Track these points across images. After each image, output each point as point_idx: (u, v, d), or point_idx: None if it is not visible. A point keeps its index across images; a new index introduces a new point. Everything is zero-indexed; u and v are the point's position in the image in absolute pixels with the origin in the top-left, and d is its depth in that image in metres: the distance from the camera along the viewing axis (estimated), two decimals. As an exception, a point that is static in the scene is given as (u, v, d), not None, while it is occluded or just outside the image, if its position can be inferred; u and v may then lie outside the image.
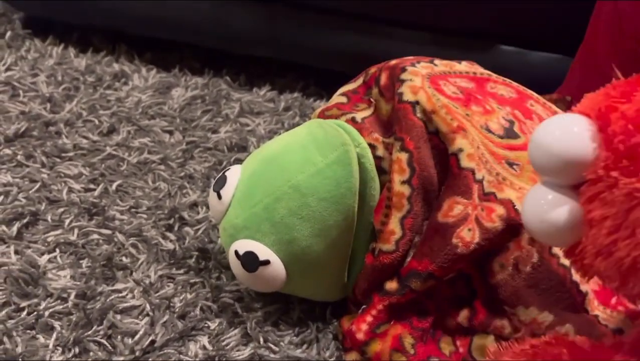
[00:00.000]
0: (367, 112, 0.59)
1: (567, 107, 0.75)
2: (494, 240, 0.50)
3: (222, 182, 0.56)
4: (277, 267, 0.54)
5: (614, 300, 0.51)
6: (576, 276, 0.51)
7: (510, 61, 0.87)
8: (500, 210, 0.50)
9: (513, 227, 0.50)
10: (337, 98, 0.63)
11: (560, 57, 0.89)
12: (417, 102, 0.54)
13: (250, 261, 0.54)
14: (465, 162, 0.52)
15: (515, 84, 0.62)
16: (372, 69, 0.62)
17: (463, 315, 0.53)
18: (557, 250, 0.51)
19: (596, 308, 0.51)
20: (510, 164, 0.53)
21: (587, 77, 0.79)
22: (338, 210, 0.53)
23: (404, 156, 0.53)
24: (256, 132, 0.85)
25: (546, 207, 0.36)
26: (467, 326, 0.53)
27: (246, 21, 0.95)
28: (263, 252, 0.53)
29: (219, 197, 0.56)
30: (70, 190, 0.70)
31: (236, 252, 0.54)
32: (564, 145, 0.34)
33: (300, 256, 0.54)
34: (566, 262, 0.51)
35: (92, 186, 0.72)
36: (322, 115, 0.61)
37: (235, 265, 0.55)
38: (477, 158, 0.52)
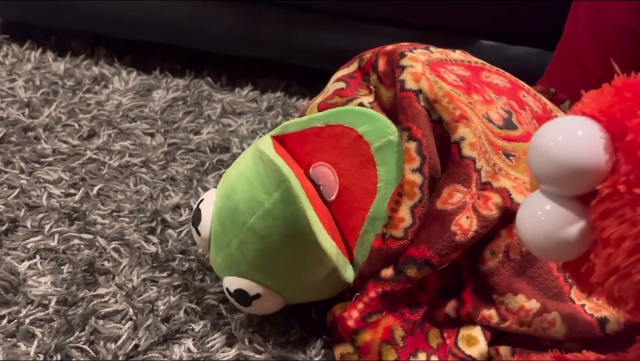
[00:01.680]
0: (370, 98, 0.58)
1: (550, 98, 0.76)
2: (490, 227, 0.50)
3: (197, 217, 0.56)
4: (269, 296, 0.54)
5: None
6: (563, 266, 0.52)
7: (491, 55, 0.87)
8: (496, 198, 0.50)
9: (508, 215, 0.50)
10: (334, 85, 0.61)
11: (539, 51, 0.90)
12: (420, 90, 0.53)
13: (241, 297, 0.54)
14: (467, 151, 0.52)
15: (507, 74, 0.61)
16: (367, 54, 0.60)
17: (451, 306, 0.53)
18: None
19: (583, 298, 0.51)
20: (507, 155, 0.53)
21: (567, 70, 0.80)
22: (302, 245, 0.51)
23: (412, 145, 0.52)
24: (239, 133, 0.85)
25: (547, 221, 0.32)
26: (455, 317, 0.53)
27: (227, 21, 0.95)
28: (251, 287, 0.53)
29: (198, 233, 0.56)
30: (50, 196, 0.69)
31: (227, 290, 0.55)
32: (570, 152, 0.30)
33: (288, 284, 0.54)
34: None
35: (72, 191, 0.71)
36: (324, 106, 0.59)
37: (230, 299, 0.55)
38: (479, 147, 0.52)
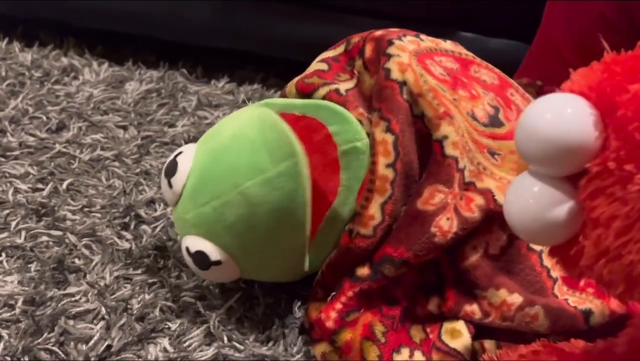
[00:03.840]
0: (350, 84, 0.56)
1: (537, 92, 0.75)
2: (471, 229, 0.49)
3: (173, 168, 0.53)
4: (229, 265, 0.53)
5: (582, 282, 0.51)
6: (547, 261, 0.51)
7: (469, 47, 0.87)
8: (479, 200, 0.49)
9: (490, 217, 0.50)
10: (317, 65, 0.59)
11: (518, 44, 0.89)
12: (405, 82, 0.52)
13: (201, 260, 0.52)
14: (449, 150, 0.50)
15: (497, 70, 0.60)
16: (355, 38, 0.59)
17: (433, 303, 0.53)
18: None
19: (565, 293, 0.51)
20: (492, 154, 0.52)
21: (545, 60, 0.80)
22: (288, 221, 0.51)
23: (390, 138, 0.51)
24: (215, 125, 0.83)
25: (535, 203, 0.31)
26: (437, 313, 0.52)
27: (202, 12, 0.93)
28: (213, 252, 0.52)
29: (170, 185, 0.53)
30: (17, 191, 0.66)
31: (187, 249, 0.53)
32: (559, 131, 0.29)
33: (252, 256, 0.53)
34: (536, 246, 0.51)
35: (40, 186, 0.68)
36: (302, 83, 0.57)
37: (187, 259, 0.54)
38: (462, 146, 0.51)
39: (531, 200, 0.31)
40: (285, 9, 0.92)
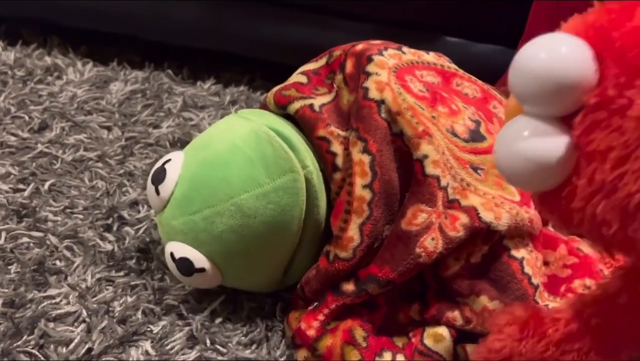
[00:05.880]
0: (327, 98, 0.57)
1: None
2: (455, 247, 0.50)
3: (161, 175, 0.53)
4: (212, 273, 0.53)
5: (562, 288, 0.52)
6: (528, 269, 0.52)
7: (455, 52, 0.87)
8: (464, 218, 0.49)
9: (475, 233, 0.50)
10: (297, 77, 0.60)
11: (503, 49, 0.90)
12: (383, 101, 0.52)
13: (185, 267, 0.53)
14: (430, 169, 0.50)
15: (480, 82, 0.60)
16: (337, 51, 0.59)
17: (415, 309, 0.53)
18: (507, 242, 0.51)
19: (546, 299, 0.51)
20: (475, 169, 0.52)
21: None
22: (280, 234, 0.52)
23: (366, 158, 0.51)
24: (200, 127, 0.82)
25: (529, 143, 0.30)
26: (419, 320, 0.53)
27: (188, 12, 0.92)
28: (198, 259, 0.52)
29: (157, 192, 0.53)
30: (-3, 191, 0.65)
31: (172, 254, 0.53)
32: (555, 66, 0.29)
33: (237, 266, 0.54)
34: (517, 253, 0.52)
35: (21, 186, 0.67)
36: (279, 95, 0.57)
37: (170, 265, 0.54)
38: (442, 164, 0.51)
39: (524, 142, 0.30)
40: (272, 11, 0.92)
